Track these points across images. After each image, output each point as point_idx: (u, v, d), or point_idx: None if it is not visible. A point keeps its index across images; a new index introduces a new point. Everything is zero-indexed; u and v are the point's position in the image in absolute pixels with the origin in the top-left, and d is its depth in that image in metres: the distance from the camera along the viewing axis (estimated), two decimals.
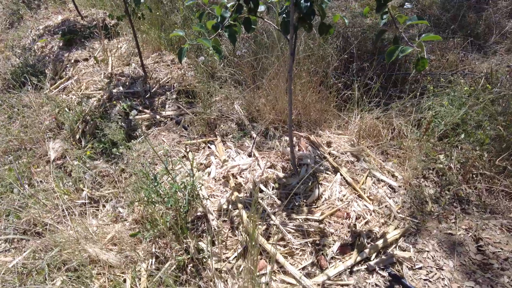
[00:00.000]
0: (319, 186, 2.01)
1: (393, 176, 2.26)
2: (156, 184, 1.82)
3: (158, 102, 2.95)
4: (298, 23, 1.76)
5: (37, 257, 2.13)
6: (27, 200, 2.49)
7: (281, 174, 2.11)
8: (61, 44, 4.30)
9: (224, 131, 2.65)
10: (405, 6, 1.50)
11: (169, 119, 2.85)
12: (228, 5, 1.66)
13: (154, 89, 3.09)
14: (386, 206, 2.02)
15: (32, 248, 2.18)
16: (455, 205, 2.11)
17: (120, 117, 2.80)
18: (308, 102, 2.66)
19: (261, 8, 1.71)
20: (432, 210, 2.06)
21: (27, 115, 3.37)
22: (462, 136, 2.39)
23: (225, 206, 1.95)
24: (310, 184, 2.04)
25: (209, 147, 2.50)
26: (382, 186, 2.15)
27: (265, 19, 1.78)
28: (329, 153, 2.29)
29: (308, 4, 1.67)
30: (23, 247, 2.27)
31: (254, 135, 2.46)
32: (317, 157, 2.25)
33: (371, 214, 1.94)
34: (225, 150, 2.41)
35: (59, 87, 3.62)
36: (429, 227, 1.96)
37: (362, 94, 2.78)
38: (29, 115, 3.36)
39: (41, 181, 2.73)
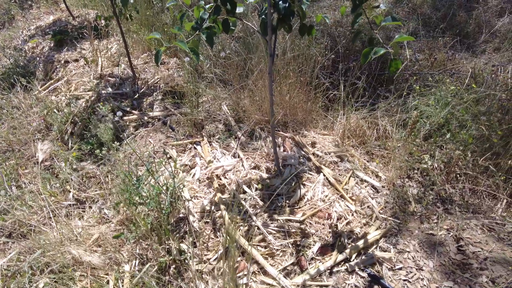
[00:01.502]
0: (302, 187, 2.02)
1: (377, 176, 2.27)
2: (138, 186, 1.83)
3: (146, 103, 2.96)
4: (278, 24, 1.76)
5: (21, 259, 2.14)
6: (13, 202, 2.50)
7: (265, 175, 2.12)
8: (52, 45, 4.30)
9: (211, 131, 2.66)
10: (379, 7, 1.51)
11: (156, 119, 2.85)
12: (206, 7, 1.66)
13: (142, 90, 3.09)
14: (368, 206, 2.03)
15: (17, 250, 2.19)
16: (438, 205, 2.12)
17: (107, 118, 2.80)
18: (295, 102, 2.66)
19: (240, 9, 1.71)
20: (415, 210, 2.07)
21: (16, 117, 3.37)
22: (448, 136, 2.40)
23: (207, 208, 1.96)
24: (293, 184, 2.05)
25: (195, 148, 2.51)
26: (365, 187, 2.16)
27: (244, 21, 1.78)
28: (313, 154, 2.30)
29: (286, 5, 1.67)
30: (9, 249, 2.28)
31: (240, 136, 2.47)
32: (301, 157, 2.26)
33: (353, 215, 1.95)
34: (211, 151, 2.42)
35: (49, 88, 3.62)
36: (411, 228, 1.97)
37: (349, 94, 2.79)
38: (18, 116, 3.36)
39: (28, 183, 2.73)
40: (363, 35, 3.78)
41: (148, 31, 3.69)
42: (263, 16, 1.78)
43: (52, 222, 2.28)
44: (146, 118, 2.83)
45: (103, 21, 4.22)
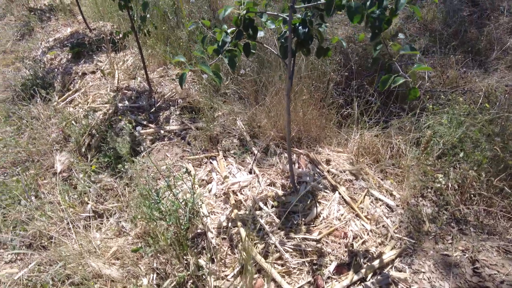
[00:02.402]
0: (318, 205, 2.05)
1: (391, 195, 2.30)
2: (158, 201, 1.88)
3: (163, 117, 3.02)
4: (296, 48, 1.82)
5: (42, 270, 2.19)
6: (33, 212, 2.57)
7: (280, 192, 2.16)
8: (69, 57, 4.42)
9: (226, 146, 2.71)
10: (398, 37, 1.55)
11: (173, 133, 2.91)
12: (229, 31, 1.72)
13: (158, 104, 3.17)
14: (383, 225, 2.05)
15: (37, 260, 2.24)
16: (452, 225, 2.13)
17: (125, 131, 2.87)
18: (308, 118, 2.71)
19: (260, 33, 1.77)
20: (429, 230, 2.08)
21: (35, 127, 3.46)
22: (461, 155, 2.42)
23: (224, 224, 2.00)
24: (308, 202, 2.08)
25: (211, 163, 2.56)
26: (380, 205, 2.18)
27: (264, 45, 1.84)
28: (328, 171, 2.33)
29: (306, 30, 1.73)
30: (29, 259, 2.34)
31: (255, 152, 2.51)
32: (316, 175, 2.30)
33: (368, 234, 1.98)
34: (227, 166, 2.46)
35: (67, 100, 3.72)
36: (426, 248, 1.98)
37: (362, 111, 2.83)
38: (37, 127, 3.45)
39: (47, 193, 2.80)
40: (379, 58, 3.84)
41: (163, 45, 3.78)
42: (282, 40, 1.83)
43: (72, 233, 2.33)
44: (162, 132, 2.89)
45: (120, 35, 4.33)
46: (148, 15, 2.94)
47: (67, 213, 2.48)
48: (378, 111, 2.97)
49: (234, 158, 2.55)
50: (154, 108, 3.12)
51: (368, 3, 1.43)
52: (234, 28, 1.74)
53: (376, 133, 2.67)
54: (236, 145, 2.72)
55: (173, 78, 3.61)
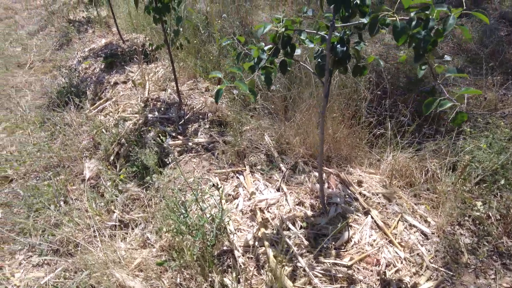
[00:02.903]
0: (349, 229, 1.97)
1: (425, 221, 2.18)
2: (186, 215, 1.85)
3: (191, 129, 3.04)
4: (333, 66, 1.79)
5: (67, 277, 2.20)
6: (62, 217, 2.61)
7: (309, 213, 2.09)
8: (102, 66, 4.58)
9: (253, 161, 2.68)
10: (444, 59, 1.49)
11: (200, 146, 2.92)
12: (265, 48, 1.71)
13: (188, 116, 3.19)
14: (418, 254, 1.93)
15: (63, 266, 2.26)
16: (494, 258, 1.98)
17: (154, 142, 2.90)
18: (339, 137, 2.64)
19: (297, 51, 1.75)
20: (469, 262, 1.95)
21: (67, 133, 3.57)
22: (502, 182, 2.28)
23: (251, 242, 1.95)
24: (339, 225, 2.00)
25: (237, 177, 2.53)
26: (414, 232, 2.07)
27: (300, 62, 1.81)
28: (360, 193, 2.25)
29: (344, 48, 1.69)
30: (55, 264, 2.36)
31: (283, 169, 2.47)
32: (347, 196, 2.22)
33: (402, 262, 1.87)
34: (254, 182, 2.43)
35: (98, 108, 3.82)
36: (465, 282, 1.85)
37: (395, 131, 2.74)
38: (69, 133, 3.56)
39: (75, 199, 2.85)
40: (405, 70, 3.75)
41: (194, 59, 3.85)
42: (319, 59, 1.80)
43: (97, 241, 2.35)
44: (190, 144, 2.90)
45: (152, 47, 4.44)
46: (181, 29, 3.00)
47: (93, 221, 2.51)
48: (411, 132, 2.87)
49: (262, 174, 2.51)
50: (183, 120, 3.15)
51: (413, 23, 1.38)
52: (270, 45, 1.73)
53: (410, 155, 2.57)
54: (263, 161, 2.68)
55: (202, 91, 3.65)
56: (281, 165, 2.53)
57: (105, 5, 6.72)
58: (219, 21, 4.01)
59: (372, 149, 2.76)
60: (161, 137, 2.97)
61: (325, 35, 1.63)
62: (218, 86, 1.54)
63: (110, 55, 4.52)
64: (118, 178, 2.77)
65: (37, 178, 3.16)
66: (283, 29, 1.60)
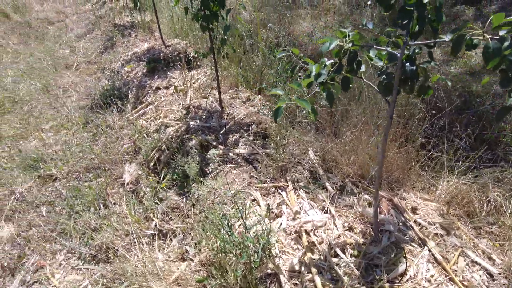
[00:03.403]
0: (406, 261, 1.80)
1: (490, 258, 1.96)
2: (231, 233, 1.77)
3: (232, 139, 2.98)
4: (399, 85, 1.65)
5: (105, 283, 2.19)
6: (101, 221, 2.62)
7: (360, 239, 1.94)
8: (144, 71, 4.66)
9: (295, 176, 2.57)
10: None
11: (241, 157, 2.85)
12: (327, 63, 1.61)
13: (229, 125, 3.14)
14: None
15: (102, 272, 2.25)
16: None
17: (195, 151, 2.87)
18: (391, 157, 2.48)
19: (362, 68, 1.64)
20: None
21: (109, 135, 3.63)
22: None
23: (297, 267, 1.83)
24: (393, 255, 1.84)
25: (279, 193, 2.42)
26: (478, 270, 1.86)
27: (364, 80, 1.69)
28: (415, 221, 2.07)
29: (414, 67, 1.56)
30: (94, 269, 2.35)
31: (330, 189, 2.34)
32: (400, 224, 2.05)
33: None
34: (297, 199, 2.31)
35: (139, 112, 3.87)
36: None
37: (451, 154, 2.54)
38: (111, 136, 3.61)
39: (114, 204, 2.86)
40: (459, 87, 3.51)
41: (236, 68, 3.81)
42: (384, 76, 1.68)
43: (136, 249, 2.32)
44: (231, 154, 2.84)
45: (193, 54, 4.46)
46: (228, 38, 2.97)
47: (132, 228, 2.49)
48: (468, 155, 2.65)
49: (306, 192, 2.39)
50: (224, 130, 3.10)
51: (505, 43, 1.23)
52: (333, 61, 1.62)
53: (467, 181, 2.36)
54: (307, 178, 2.56)
55: (243, 101, 3.60)
56: (327, 184, 2.40)
57: (149, 11, 6.92)
58: (264, 31, 3.96)
59: (425, 171, 2.57)
60: (203, 145, 2.94)
61: (396, 53, 1.51)
62: (277, 104, 1.45)
63: (153, 60, 4.59)
64: (158, 186, 2.75)
65: (79, 179, 3.21)
66: (350, 45, 1.50)
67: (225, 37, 2.79)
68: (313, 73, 1.64)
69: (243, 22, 2.92)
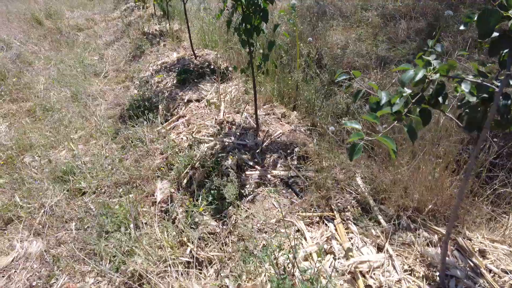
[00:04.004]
0: None
1: None
2: (284, 277, 1.59)
3: (270, 159, 2.81)
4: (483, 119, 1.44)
5: None
6: (132, 243, 2.48)
7: (424, 286, 1.73)
8: (174, 81, 4.57)
9: (340, 205, 2.37)
10: None
11: (279, 179, 2.67)
12: (405, 93, 1.42)
13: (265, 144, 2.98)
14: None
15: None
16: None
17: (231, 170, 2.72)
18: (445, 186, 2.25)
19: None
20: None
21: (139, 148, 3.53)
22: None
23: None
24: None
25: (326, 225, 2.23)
26: None
27: (446, 113, 1.49)
28: (486, 267, 1.84)
29: (509, 102, 1.35)
30: None
31: (384, 224, 2.13)
32: (468, 269, 1.82)
33: None
34: (347, 233, 2.11)
35: (171, 125, 3.76)
36: None
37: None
38: (141, 149, 3.51)
39: (145, 224, 2.73)
40: None
41: (272, 83, 3.66)
42: (467, 110, 1.47)
43: (170, 278, 2.17)
44: (269, 176, 2.67)
45: (233, 69, 4.34)
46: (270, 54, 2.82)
47: (165, 253, 2.35)
48: None
49: (356, 224, 2.19)
50: (260, 148, 2.94)
51: None
52: (410, 91, 1.43)
53: None
54: (354, 207, 2.36)
55: (278, 117, 3.44)
56: (379, 217, 2.19)
57: (177, 19, 6.90)
58: (303, 46, 3.80)
59: (484, 204, 2.32)
60: (239, 165, 2.78)
61: (494, 86, 1.30)
62: (350, 137, 1.27)
63: (184, 71, 4.50)
64: (193, 207, 2.60)
65: (108, 194, 3.11)
66: (437, 76, 1.30)
67: (268, 53, 2.65)
68: (383, 101, 1.46)
69: (288, 36, 2.77)
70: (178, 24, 6.65)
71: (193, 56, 5.10)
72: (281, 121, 3.38)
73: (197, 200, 2.73)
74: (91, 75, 5.80)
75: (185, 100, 4.02)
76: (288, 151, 2.85)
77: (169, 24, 6.47)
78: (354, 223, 2.19)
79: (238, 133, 3.17)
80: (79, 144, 3.88)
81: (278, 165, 2.75)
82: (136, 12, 8.70)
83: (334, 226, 2.17)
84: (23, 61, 6.04)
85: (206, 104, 3.82)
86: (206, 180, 2.79)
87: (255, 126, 3.21)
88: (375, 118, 1.32)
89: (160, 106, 4.16)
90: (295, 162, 2.70)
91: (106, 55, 6.55)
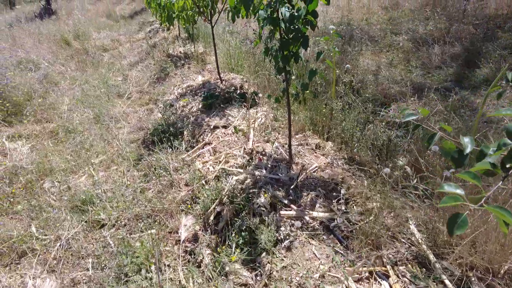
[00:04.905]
0: None
1: None
2: None
3: (307, 198, 2.53)
4: None
5: None
6: None
7: None
8: (200, 106, 4.41)
9: (393, 257, 2.05)
10: None
11: (318, 222, 2.38)
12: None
13: (300, 178, 2.71)
14: None
15: None
16: None
17: (264, 209, 2.45)
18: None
19: None
20: None
21: (162, 176, 3.32)
22: None
23: None
24: None
25: (379, 283, 1.91)
26: None
27: None
28: None
29: None
30: None
31: (450, 285, 1.79)
32: None
33: None
34: None
35: (196, 153, 3.56)
36: None
37: None
38: (165, 178, 3.30)
39: (168, 265, 2.47)
40: None
41: (305, 110, 3.43)
42: None
43: None
44: (307, 218, 2.38)
45: (267, 97, 4.15)
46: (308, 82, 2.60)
47: None
48: None
49: (413, 283, 1.86)
50: (295, 184, 2.66)
51: None
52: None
53: None
54: (408, 260, 2.03)
55: (312, 148, 3.18)
56: (443, 276, 1.86)
57: (201, 41, 6.87)
58: (339, 73, 3.58)
59: None
60: (273, 202, 2.51)
61: None
62: (443, 201, 1.00)
63: (210, 96, 4.34)
64: (220, 252, 2.33)
65: (128, 228, 2.88)
66: None
67: (309, 81, 2.42)
68: (468, 149, 1.18)
69: (332, 64, 2.53)
70: (202, 47, 6.61)
71: (219, 80, 4.96)
72: (316, 152, 3.11)
73: (225, 242, 2.46)
74: (115, 96, 5.74)
75: (211, 126, 3.83)
76: (328, 188, 2.56)
77: (194, 47, 6.42)
78: (412, 282, 1.86)
79: (269, 165, 2.92)
80: (100, 171, 3.71)
81: (317, 205, 2.46)
82: (161, 34, 8.80)
83: (390, 286, 1.85)
84: (50, 81, 6.06)
85: (233, 131, 3.61)
86: (235, 219, 2.52)
87: (288, 157, 2.95)
88: (474, 178, 1.04)
89: (185, 132, 3.98)
90: (339, 205, 2.41)
91: (130, 76, 6.53)
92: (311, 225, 2.37)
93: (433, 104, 4.01)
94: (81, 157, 3.92)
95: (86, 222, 2.97)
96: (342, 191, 2.43)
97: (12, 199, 3.34)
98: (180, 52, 6.67)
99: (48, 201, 3.26)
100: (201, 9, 4.56)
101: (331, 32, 2.80)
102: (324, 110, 3.34)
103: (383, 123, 3.42)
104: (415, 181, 2.09)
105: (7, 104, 4.75)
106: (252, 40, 5.64)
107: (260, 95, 4.21)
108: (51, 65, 6.82)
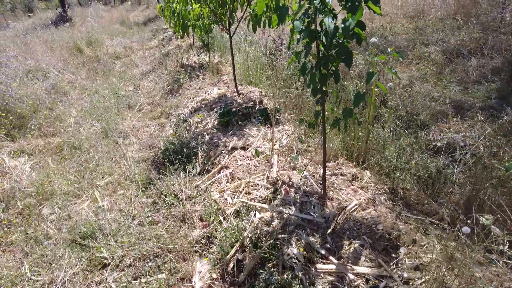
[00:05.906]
0: None
1: None
2: None
3: (348, 249, 2.09)
4: None
5: None
6: None
7: None
8: (216, 123, 4.02)
9: None
10: None
11: (364, 280, 1.93)
12: None
13: (338, 219, 2.26)
14: None
15: None
16: None
17: (297, 262, 2.01)
18: None
19: None
20: None
21: (173, 208, 2.92)
22: None
23: None
24: None
25: None
26: None
27: None
28: None
29: None
30: None
31: None
32: None
33: None
34: None
35: (212, 178, 3.15)
36: None
37: None
38: (176, 207, 2.90)
39: None
40: None
41: (339, 134, 2.99)
42: None
43: None
44: (350, 275, 1.93)
45: (299, 122, 3.74)
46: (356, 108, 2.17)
47: None
48: None
49: None
50: (332, 227, 2.22)
51: None
52: None
53: None
54: None
55: (348, 179, 2.73)
56: None
57: (217, 51, 6.51)
58: (388, 97, 3.14)
59: None
60: (306, 251, 2.07)
61: None
62: None
63: (227, 112, 3.95)
64: None
65: (134, 269, 2.48)
66: None
67: (353, 107, 1.99)
68: None
69: (384, 88, 2.11)
70: (218, 56, 6.25)
71: (236, 93, 4.57)
72: (353, 185, 2.67)
73: None
74: (125, 108, 5.41)
75: (229, 148, 3.42)
76: (375, 237, 2.11)
77: (209, 57, 6.07)
78: None
79: (298, 201, 2.49)
80: (105, 195, 3.33)
81: (362, 258, 2.01)
82: (174, 42, 8.50)
83: None
84: (58, 91, 5.78)
85: (253, 153, 3.20)
86: (261, 271, 2.09)
87: (321, 191, 2.52)
88: None
89: (199, 153, 3.58)
90: (392, 261, 1.95)
91: (141, 86, 6.20)
92: (355, 283, 1.92)
93: (480, 126, 3.53)
94: (85, 178, 3.56)
95: (87, 259, 2.58)
96: (402, 250, 1.97)
97: (6, 228, 2.99)
98: (195, 62, 6.32)
99: (45, 230, 2.90)
100: (219, 17, 4.19)
101: (370, 46, 2.36)
102: (360, 134, 2.90)
103: (423, 148, 2.96)
104: (506, 246, 1.62)
105: (11, 117, 4.45)
106: (270, 50, 5.23)
107: (286, 116, 3.79)
108: (61, 74, 6.55)
